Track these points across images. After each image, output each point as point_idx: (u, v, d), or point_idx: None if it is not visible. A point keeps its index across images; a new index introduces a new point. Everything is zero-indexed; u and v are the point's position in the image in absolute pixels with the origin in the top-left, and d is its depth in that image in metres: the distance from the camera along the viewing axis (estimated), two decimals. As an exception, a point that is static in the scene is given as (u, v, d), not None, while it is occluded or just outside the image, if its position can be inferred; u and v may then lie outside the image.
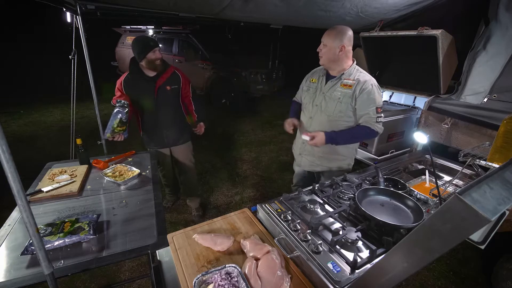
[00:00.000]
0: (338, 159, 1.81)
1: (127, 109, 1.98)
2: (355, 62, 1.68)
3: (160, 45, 7.75)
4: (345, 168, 1.85)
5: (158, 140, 2.30)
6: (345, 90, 1.62)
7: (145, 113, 2.22)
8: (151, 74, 2.11)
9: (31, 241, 1.10)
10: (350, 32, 1.58)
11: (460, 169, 1.77)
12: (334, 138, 1.64)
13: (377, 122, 1.61)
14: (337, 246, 1.07)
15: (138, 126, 2.32)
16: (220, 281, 0.93)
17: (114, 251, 1.19)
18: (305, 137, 1.64)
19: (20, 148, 4.19)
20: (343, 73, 1.64)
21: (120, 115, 1.96)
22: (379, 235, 1.11)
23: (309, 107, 1.80)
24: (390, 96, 2.72)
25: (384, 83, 2.75)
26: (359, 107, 1.61)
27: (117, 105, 1.99)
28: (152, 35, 7.08)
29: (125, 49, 7.56)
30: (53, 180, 1.68)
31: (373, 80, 1.62)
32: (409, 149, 2.42)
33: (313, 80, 1.80)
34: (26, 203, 0.85)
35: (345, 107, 1.63)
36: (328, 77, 1.70)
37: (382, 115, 1.63)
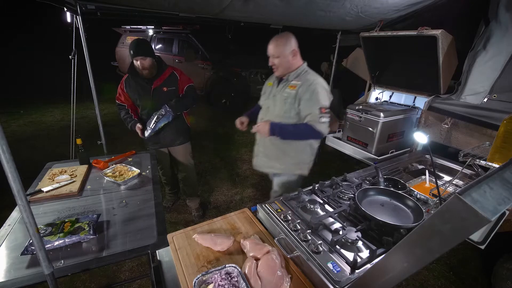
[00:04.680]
0: (289, 162, 1.76)
1: (173, 115, 2.12)
2: (305, 63, 1.67)
3: (160, 45, 7.75)
4: (298, 173, 1.81)
5: (155, 140, 2.31)
6: (290, 91, 1.61)
7: (142, 113, 2.24)
8: (149, 75, 2.12)
9: (31, 241, 1.11)
10: (292, 34, 1.60)
11: (460, 169, 1.77)
12: (278, 129, 1.62)
13: (320, 122, 1.56)
14: (337, 246, 1.07)
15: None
16: (220, 281, 0.93)
17: (114, 251, 1.19)
18: (254, 127, 1.69)
19: (20, 148, 4.19)
20: (290, 74, 1.64)
21: (167, 119, 2.11)
22: (379, 235, 1.11)
23: (263, 109, 1.83)
24: (390, 96, 2.72)
25: (384, 83, 2.75)
26: (303, 108, 1.59)
27: (167, 109, 2.09)
28: (152, 35, 7.08)
29: (125, 49, 7.55)
30: (53, 180, 1.68)
31: (319, 81, 1.60)
32: (409, 149, 2.41)
33: (270, 84, 1.80)
34: (26, 203, 0.85)
35: (289, 107, 1.62)
36: (281, 80, 1.70)
37: (327, 115, 1.58)
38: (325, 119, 1.57)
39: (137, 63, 2.01)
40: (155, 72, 2.11)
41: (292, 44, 1.58)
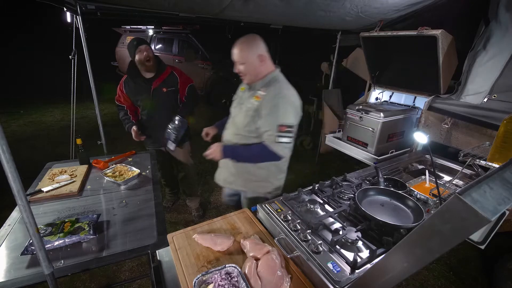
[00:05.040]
0: (252, 180, 1.56)
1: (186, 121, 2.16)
2: (277, 70, 1.47)
3: (160, 45, 7.76)
4: (262, 193, 1.61)
5: (155, 140, 2.31)
6: (254, 102, 1.41)
7: (142, 114, 2.25)
8: (148, 75, 2.13)
9: (31, 241, 1.11)
10: (259, 37, 1.42)
11: (460, 169, 1.77)
12: (229, 153, 1.45)
13: (277, 142, 1.35)
14: (337, 246, 1.07)
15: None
16: (220, 281, 0.93)
17: (114, 251, 1.19)
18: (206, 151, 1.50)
19: (20, 148, 4.19)
20: (258, 83, 1.44)
21: (184, 127, 2.14)
22: (379, 235, 1.11)
23: (230, 118, 1.64)
24: (390, 96, 2.71)
25: (384, 83, 2.75)
26: (262, 123, 1.38)
27: (182, 119, 2.11)
28: (152, 35, 7.08)
29: (125, 49, 7.48)
30: (53, 180, 1.68)
31: (285, 93, 1.39)
32: (409, 149, 2.41)
33: (242, 89, 1.59)
34: (26, 203, 0.85)
35: (249, 121, 1.42)
36: (250, 86, 1.51)
37: (287, 135, 1.36)
38: (285, 139, 1.36)
39: (141, 55, 2.01)
40: (155, 69, 2.12)
41: (259, 48, 1.39)
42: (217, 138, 1.71)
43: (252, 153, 1.43)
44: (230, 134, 1.55)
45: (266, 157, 1.42)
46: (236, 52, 1.40)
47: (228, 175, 1.63)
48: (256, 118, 1.40)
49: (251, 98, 1.44)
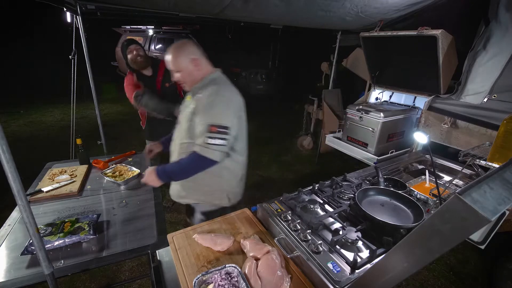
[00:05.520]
0: (206, 191, 1.46)
1: None
2: (217, 72, 1.40)
3: (160, 45, 7.77)
4: (219, 205, 1.52)
5: (155, 140, 2.32)
6: (192, 107, 1.33)
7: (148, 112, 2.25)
8: (147, 73, 2.16)
9: (31, 241, 1.11)
10: (190, 42, 1.37)
11: (460, 169, 1.77)
12: (164, 172, 1.33)
13: (207, 145, 1.23)
14: (337, 246, 1.07)
15: (143, 119, 2.34)
16: (220, 281, 0.93)
17: (114, 251, 1.19)
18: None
19: (20, 148, 4.19)
20: (196, 87, 1.36)
21: None
22: (379, 235, 1.11)
23: (176, 127, 1.53)
24: (390, 96, 2.71)
25: (384, 83, 2.75)
26: (196, 126, 1.29)
27: None
28: (152, 35, 7.09)
29: (125, 49, 7.55)
30: (53, 180, 1.69)
31: (222, 92, 1.30)
32: (409, 149, 2.41)
33: (188, 98, 1.45)
34: (26, 203, 0.85)
35: (190, 126, 1.34)
36: (191, 92, 1.42)
37: (220, 136, 1.23)
38: (215, 141, 1.22)
39: (131, 54, 2.04)
40: (150, 70, 2.14)
41: (190, 52, 1.32)
42: (165, 156, 1.58)
43: (184, 165, 1.32)
44: (177, 144, 1.46)
45: (199, 164, 1.29)
46: (168, 61, 1.34)
47: (180, 189, 1.49)
48: (193, 122, 1.31)
49: (190, 104, 1.37)
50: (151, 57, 2.20)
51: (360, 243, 1.11)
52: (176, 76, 1.36)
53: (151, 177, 1.33)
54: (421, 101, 2.41)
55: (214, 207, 1.53)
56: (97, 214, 1.38)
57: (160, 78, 2.14)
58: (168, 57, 1.33)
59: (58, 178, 1.70)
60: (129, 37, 2.09)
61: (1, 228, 1.31)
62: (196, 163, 1.29)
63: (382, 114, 2.19)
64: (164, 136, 1.75)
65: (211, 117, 1.24)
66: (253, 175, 3.60)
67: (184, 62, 1.32)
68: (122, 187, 1.69)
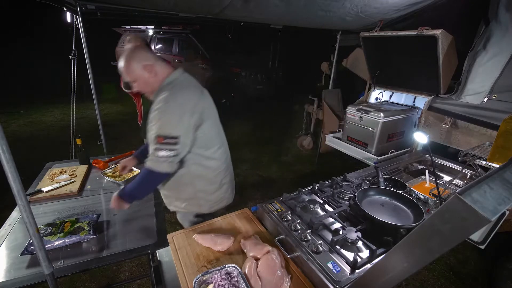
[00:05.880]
0: (181, 199, 1.43)
1: None
2: (173, 73, 1.27)
3: (160, 45, 7.78)
4: (195, 211, 1.47)
5: None
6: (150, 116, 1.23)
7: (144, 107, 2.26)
8: None
9: (31, 241, 1.11)
10: (140, 47, 1.29)
11: (460, 169, 1.77)
12: (125, 196, 1.26)
13: (156, 157, 1.15)
14: (337, 246, 1.07)
15: (140, 115, 2.34)
16: (220, 281, 0.93)
17: (114, 251, 1.19)
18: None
19: (20, 148, 4.19)
20: (156, 94, 1.25)
21: None
22: (379, 235, 1.11)
23: None
24: (390, 96, 2.71)
25: (384, 83, 2.75)
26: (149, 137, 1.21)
27: None
28: (152, 35, 7.09)
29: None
30: (53, 180, 1.69)
31: (171, 97, 1.17)
32: (409, 149, 2.41)
33: None
34: (26, 203, 0.85)
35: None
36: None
37: (167, 147, 1.14)
38: (163, 153, 1.14)
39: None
40: None
41: (142, 59, 1.22)
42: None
43: (139, 182, 1.25)
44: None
45: (151, 179, 1.23)
46: (122, 72, 1.24)
47: (163, 197, 1.48)
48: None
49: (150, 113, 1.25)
50: None
51: (360, 243, 1.11)
52: (134, 86, 1.27)
53: (116, 203, 1.27)
54: (421, 101, 2.41)
55: (190, 217, 1.50)
56: (97, 214, 1.38)
57: None
58: (120, 67, 1.23)
59: (58, 178, 1.70)
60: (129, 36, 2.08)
61: (1, 228, 1.31)
62: (148, 178, 1.23)
63: (382, 114, 2.19)
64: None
65: (158, 128, 1.15)
66: (253, 175, 3.60)
67: (137, 70, 1.22)
68: (122, 187, 1.69)
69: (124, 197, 1.26)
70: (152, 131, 1.17)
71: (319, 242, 1.06)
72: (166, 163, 1.17)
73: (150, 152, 1.18)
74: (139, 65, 1.21)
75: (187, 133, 1.21)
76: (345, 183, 1.57)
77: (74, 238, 1.20)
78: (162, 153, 1.15)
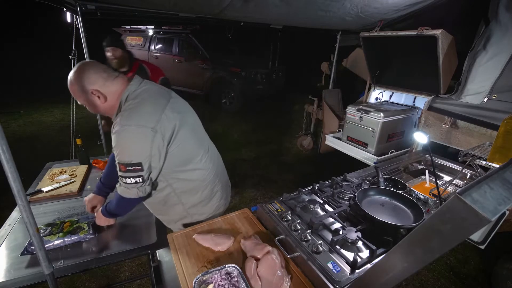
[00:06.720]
0: (173, 219, 1.38)
1: None
2: (126, 90, 1.10)
3: (160, 45, 7.75)
4: (178, 227, 1.39)
5: None
6: None
7: None
8: (122, 70, 2.21)
9: (31, 241, 1.10)
10: (87, 66, 1.08)
11: (460, 169, 1.77)
12: (108, 212, 1.25)
13: (124, 184, 1.09)
14: (337, 246, 1.07)
15: None
16: (220, 281, 0.93)
17: (114, 251, 1.19)
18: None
19: (20, 148, 4.19)
20: (115, 113, 1.14)
21: None
22: (379, 235, 1.11)
23: None
24: (390, 96, 2.71)
25: (384, 83, 2.75)
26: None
27: None
28: (152, 35, 7.09)
29: (125, 49, 7.55)
30: (53, 180, 1.68)
31: (125, 122, 1.03)
32: (409, 149, 2.41)
33: None
34: (26, 203, 0.85)
35: None
36: None
37: (131, 175, 1.06)
38: (129, 180, 1.07)
39: (108, 53, 2.10)
40: (126, 67, 2.18)
41: (88, 83, 1.06)
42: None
43: (117, 204, 1.21)
44: None
45: (124, 204, 1.19)
46: (71, 92, 1.12)
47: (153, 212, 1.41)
48: None
49: None
50: (130, 55, 2.25)
51: (360, 243, 1.11)
52: (92, 110, 1.17)
53: (101, 220, 1.27)
54: (421, 101, 2.42)
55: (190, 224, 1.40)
56: (97, 214, 1.38)
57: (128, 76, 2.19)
58: (69, 86, 1.10)
59: (58, 178, 1.70)
60: (109, 35, 2.14)
61: (1, 228, 1.31)
62: (121, 203, 1.19)
63: (382, 114, 2.19)
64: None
65: (117, 155, 1.06)
66: (253, 175, 3.60)
67: (85, 97, 1.09)
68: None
69: (107, 215, 1.25)
70: (115, 157, 1.07)
71: (319, 242, 1.06)
72: (136, 189, 1.11)
73: (119, 177, 1.11)
74: (86, 91, 1.07)
75: (151, 156, 1.08)
76: (345, 183, 1.57)
77: (74, 238, 1.20)
78: (129, 180, 1.08)
